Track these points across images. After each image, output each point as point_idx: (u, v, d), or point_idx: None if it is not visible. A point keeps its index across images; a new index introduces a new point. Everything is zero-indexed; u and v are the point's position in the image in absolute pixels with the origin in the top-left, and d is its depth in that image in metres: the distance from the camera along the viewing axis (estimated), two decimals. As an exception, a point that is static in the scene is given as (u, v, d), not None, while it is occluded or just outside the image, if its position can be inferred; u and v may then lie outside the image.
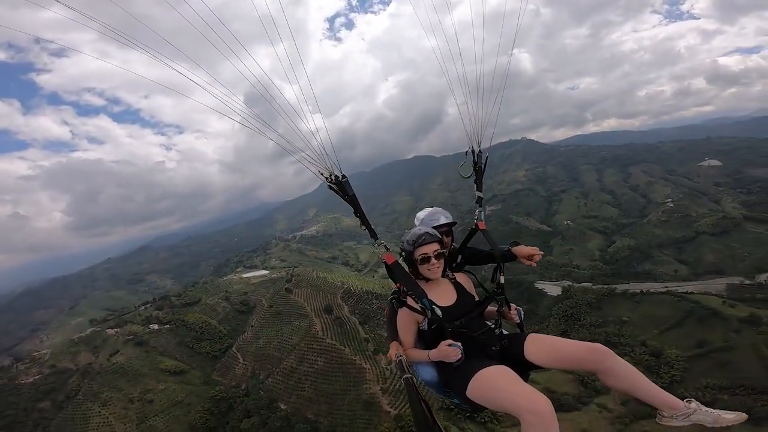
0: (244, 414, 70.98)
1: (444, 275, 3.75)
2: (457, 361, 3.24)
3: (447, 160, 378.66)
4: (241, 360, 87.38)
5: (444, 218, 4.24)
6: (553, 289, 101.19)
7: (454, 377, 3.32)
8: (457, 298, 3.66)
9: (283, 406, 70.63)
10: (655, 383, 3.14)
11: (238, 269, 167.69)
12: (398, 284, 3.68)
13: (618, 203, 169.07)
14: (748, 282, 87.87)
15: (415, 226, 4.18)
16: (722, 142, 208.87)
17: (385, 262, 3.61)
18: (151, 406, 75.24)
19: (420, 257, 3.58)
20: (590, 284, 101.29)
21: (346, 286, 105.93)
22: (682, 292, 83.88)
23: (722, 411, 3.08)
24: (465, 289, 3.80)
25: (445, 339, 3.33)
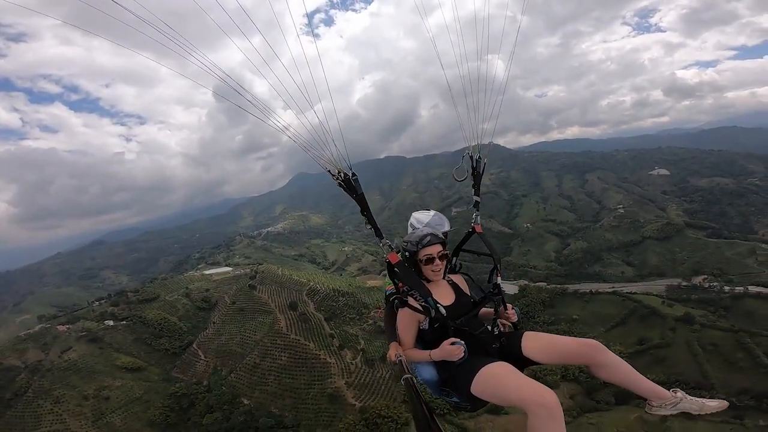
0: (206, 409, 70.43)
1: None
2: (461, 359, 3.32)
3: (417, 161, 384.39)
4: (202, 356, 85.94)
5: (447, 225, 4.29)
6: (510, 288, 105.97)
7: (456, 375, 3.40)
8: (455, 299, 3.78)
9: (246, 401, 70.68)
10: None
11: (200, 266, 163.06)
12: (400, 284, 3.81)
13: (574, 208, 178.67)
14: (685, 283, 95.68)
15: (413, 227, 4.28)
16: (671, 152, 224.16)
17: (389, 262, 3.69)
18: (107, 403, 72.96)
19: (425, 258, 3.67)
20: (545, 284, 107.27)
21: (312, 284, 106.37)
22: (627, 293, 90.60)
23: (706, 399, 3.33)
24: (461, 289, 3.93)
25: (446, 338, 3.43)
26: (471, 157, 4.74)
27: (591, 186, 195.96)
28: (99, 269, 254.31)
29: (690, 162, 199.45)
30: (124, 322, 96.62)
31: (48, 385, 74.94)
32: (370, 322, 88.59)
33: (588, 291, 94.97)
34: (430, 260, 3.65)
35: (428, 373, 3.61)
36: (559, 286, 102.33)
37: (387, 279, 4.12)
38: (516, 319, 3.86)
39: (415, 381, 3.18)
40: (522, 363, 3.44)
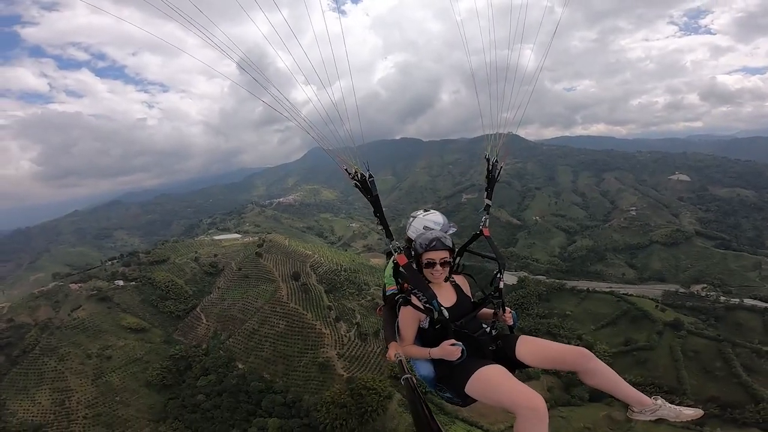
0: (202, 372, 73.57)
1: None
2: (458, 359, 3.42)
3: (433, 145, 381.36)
4: (204, 320, 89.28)
5: (453, 229, 4.34)
6: (510, 278, 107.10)
7: (452, 374, 3.52)
8: (456, 300, 3.87)
9: (240, 366, 73.97)
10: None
11: (211, 231, 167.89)
12: (404, 285, 3.90)
13: (586, 206, 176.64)
14: (682, 290, 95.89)
15: (418, 228, 4.31)
16: (696, 158, 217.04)
17: (397, 263, 3.78)
18: (108, 363, 75.79)
19: (426, 261, 3.76)
20: (544, 277, 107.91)
21: (316, 256, 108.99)
22: (622, 294, 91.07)
23: (683, 407, 3.48)
24: (463, 290, 4.01)
25: (446, 337, 3.54)
26: (487, 160, 4.71)
27: (607, 185, 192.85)
28: (113, 229, 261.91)
29: (714, 170, 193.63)
30: (133, 283, 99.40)
31: (55, 343, 77.71)
32: (369, 298, 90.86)
33: (585, 288, 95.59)
34: (431, 264, 3.76)
35: (425, 369, 3.76)
36: (557, 281, 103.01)
37: (389, 279, 4.21)
38: (512, 323, 4.00)
39: (415, 381, 3.26)
40: (513, 365, 3.62)
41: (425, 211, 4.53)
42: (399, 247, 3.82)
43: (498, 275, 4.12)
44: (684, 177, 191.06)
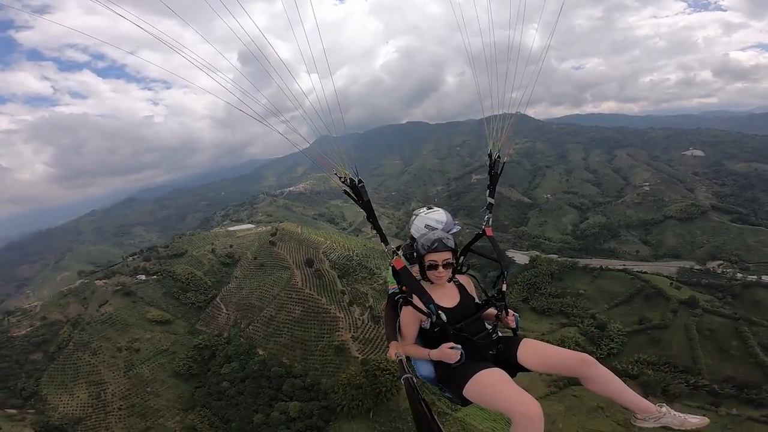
0: (225, 360, 76.54)
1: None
2: (457, 362, 3.43)
3: (440, 128, 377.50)
4: (224, 310, 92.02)
5: (456, 228, 4.30)
6: (522, 257, 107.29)
7: (452, 376, 3.53)
8: (459, 300, 3.84)
9: (261, 352, 76.48)
10: (598, 358, 3.53)
11: (225, 222, 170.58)
12: (403, 287, 3.80)
13: (598, 182, 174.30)
14: (698, 267, 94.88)
15: (420, 226, 4.23)
16: (710, 134, 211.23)
17: (393, 267, 3.74)
18: (137, 355, 79.29)
19: (428, 263, 3.75)
20: (556, 256, 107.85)
21: (328, 242, 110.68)
22: (636, 271, 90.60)
23: (688, 415, 3.37)
24: (467, 291, 3.98)
25: (446, 340, 3.53)
26: (489, 156, 4.63)
27: (619, 162, 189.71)
28: (131, 226, 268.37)
29: (729, 145, 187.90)
30: (155, 277, 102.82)
31: (87, 338, 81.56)
32: (381, 282, 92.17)
33: (598, 267, 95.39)
34: (434, 266, 3.75)
35: (426, 369, 3.78)
36: (569, 259, 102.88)
37: (390, 278, 4.16)
38: (514, 326, 3.94)
39: (415, 381, 3.26)
40: (514, 368, 3.60)
41: (428, 208, 4.40)
42: (394, 251, 3.81)
43: (501, 277, 4.05)
44: (698, 152, 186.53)
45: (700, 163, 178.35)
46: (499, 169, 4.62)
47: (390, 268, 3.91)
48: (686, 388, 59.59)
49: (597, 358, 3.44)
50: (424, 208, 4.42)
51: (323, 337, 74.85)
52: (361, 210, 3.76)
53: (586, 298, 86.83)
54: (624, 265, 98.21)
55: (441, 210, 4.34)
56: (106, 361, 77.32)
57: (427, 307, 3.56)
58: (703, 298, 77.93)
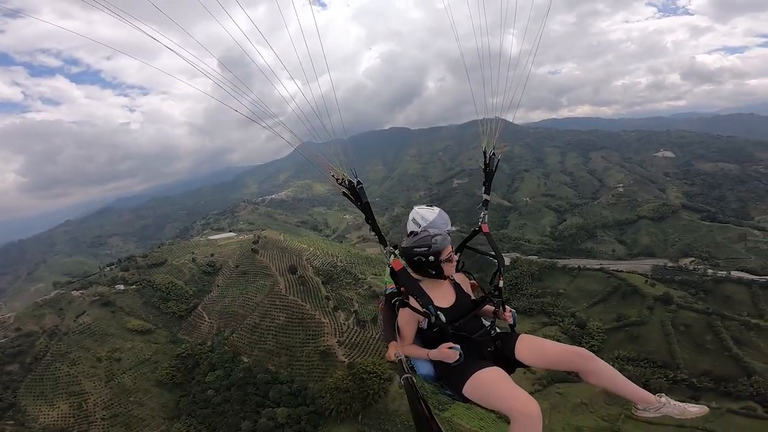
0: (209, 368, 75.37)
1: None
2: (456, 362, 3.45)
3: (422, 133, 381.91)
4: (206, 318, 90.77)
5: (452, 228, 4.36)
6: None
7: (451, 376, 3.55)
8: (456, 299, 3.87)
9: (246, 359, 75.63)
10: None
11: (205, 231, 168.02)
12: (401, 288, 3.85)
13: (575, 185, 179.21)
14: (671, 264, 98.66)
15: (418, 224, 4.20)
16: (679, 135, 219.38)
17: (392, 268, 3.75)
18: (119, 365, 77.55)
19: (447, 257, 3.80)
20: (536, 257, 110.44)
21: (312, 249, 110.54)
22: (613, 270, 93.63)
23: (688, 404, 3.42)
24: (463, 289, 4.02)
25: (445, 339, 3.57)
26: (484, 153, 4.68)
27: (594, 164, 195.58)
28: (107, 236, 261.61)
29: (697, 146, 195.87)
30: (134, 286, 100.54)
31: (65, 349, 79.22)
32: (365, 287, 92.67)
33: (576, 267, 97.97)
34: (449, 259, 3.83)
35: (425, 368, 3.79)
36: (549, 260, 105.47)
37: (388, 278, 4.16)
38: (512, 322, 3.99)
39: (415, 381, 3.28)
40: (513, 365, 3.65)
41: (429, 206, 4.40)
42: (393, 253, 3.85)
43: (497, 273, 4.11)
44: (668, 153, 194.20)
45: (670, 163, 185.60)
46: (494, 166, 4.70)
47: (388, 268, 3.90)
48: (666, 382, 61.71)
49: None
50: (425, 206, 4.41)
51: (309, 343, 74.61)
52: (356, 213, 3.95)
53: (565, 297, 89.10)
54: (601, 264, 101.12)
55: (433, 207, 4.38)
56: (86, 372, 75.42)
57: (427, 309, 3.58)
58: (677, 294, 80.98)
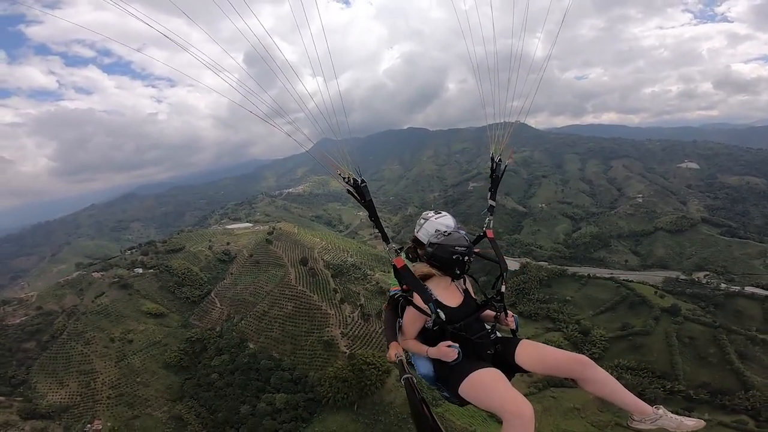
0: (216, 353, 77.88)
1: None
2: (454, 361, 3.50)
3: (440, 135, 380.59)
4: (218, 304, 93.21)
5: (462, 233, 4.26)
6: (513, 264, 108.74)
7: (449, 375, 3.60)
8: (463, 300, 3.90)
9: (252, 346, 77.86)
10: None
11: (223, 221, 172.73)
12: (404, 286, 3.87)
13: (593, 193, 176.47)
14: (684, 277, 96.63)
15: (436, 230, 4.09)
16: (706, 146, 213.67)
17: (395, 266, 3.78)
18: (130, 346, 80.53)
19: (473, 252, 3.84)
20: (546, 263, 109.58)
21: (324, 243, 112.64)
22: (623, 280, 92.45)
23: (684, 417, 3.40)
24: (469, 292, 4.05)
25: (445, 338, 3.63)
26: (492, 159, 4.67)
27: (614, 173, 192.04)
28: (130, 221, 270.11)
29: (724, 158, 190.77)
30: (152, 270, 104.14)
31: (81, 328, 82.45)
32: (373, 282, 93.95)
33: (586, 275, 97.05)
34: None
35: (425, 368, 3.80)
36: (558, 267, 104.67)
37: (393, 281, 4.17)
38: (514, 326, 3.99)
39: (415, 381, 3.30)
40: (512, 369, 3.66)
41: (437, 213, 4.35)
42: (396, 250, 3.92)
43: (500, 279, 4.15)
44: (693, 165, 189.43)
45: (694, 175, 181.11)
46: (501, 173, 4.74)
47: (392, 267, 3.93)
48: (661, 392, 60.95)
49: None
50: (433, 213, 4.37)
51: (313, 333, 76.37)
52: (364, 210, 3.90)
53: (572, 304, 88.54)
54: (611, 273, 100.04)
55: (448, 215, 4.34)
56: (99, 351, 78.20)
57: (428, 305, 3.62)
58: (686, 307, 79.64)
